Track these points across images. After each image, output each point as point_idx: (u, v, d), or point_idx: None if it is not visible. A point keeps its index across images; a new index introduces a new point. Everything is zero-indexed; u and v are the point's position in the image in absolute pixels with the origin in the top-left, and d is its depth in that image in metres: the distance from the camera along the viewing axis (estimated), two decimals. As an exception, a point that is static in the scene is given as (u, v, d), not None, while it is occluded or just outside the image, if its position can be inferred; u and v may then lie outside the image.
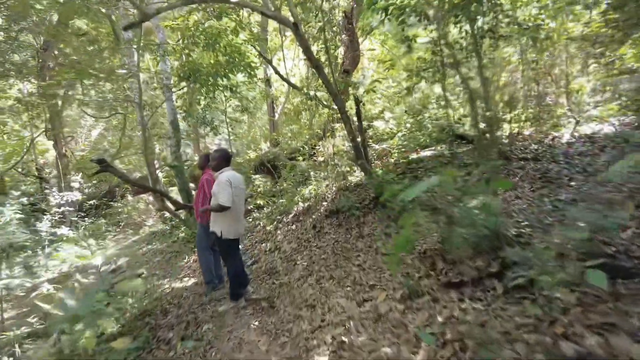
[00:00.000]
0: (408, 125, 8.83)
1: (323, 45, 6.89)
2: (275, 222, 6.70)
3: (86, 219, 12.53)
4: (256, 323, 3.55)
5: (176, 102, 8.46)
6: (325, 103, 7.20)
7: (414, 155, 7.18)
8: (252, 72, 7.92)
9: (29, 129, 12.64)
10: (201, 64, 7.60)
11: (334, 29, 8.03)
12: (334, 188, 6.90)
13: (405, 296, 3.07)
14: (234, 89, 8.19)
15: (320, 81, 7.73)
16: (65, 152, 13.12)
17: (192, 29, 7.26)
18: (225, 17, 7.41)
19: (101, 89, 10.47)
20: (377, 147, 8.57)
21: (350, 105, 7.09)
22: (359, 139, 6.22)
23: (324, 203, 6.39)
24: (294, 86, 7.70)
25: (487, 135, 5.57)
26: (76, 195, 11.34)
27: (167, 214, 10.33)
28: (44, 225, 9.85)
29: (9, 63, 10.39)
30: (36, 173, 13.75)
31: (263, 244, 6.09)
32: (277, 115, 12.31)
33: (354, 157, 6.65)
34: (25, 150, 12.83)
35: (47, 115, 12.70)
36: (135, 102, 8.48)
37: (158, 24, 8.38)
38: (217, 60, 7.59)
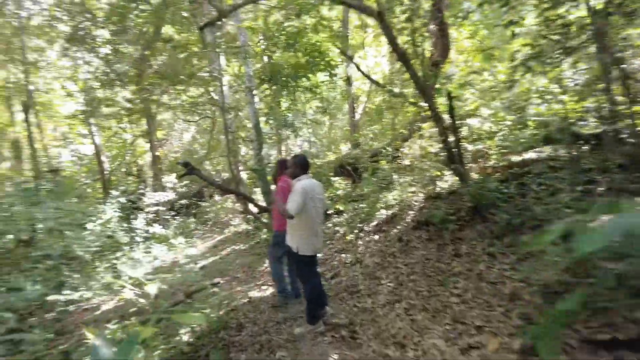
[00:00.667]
0: (508, 123, 7.72)
1: (410, 37, 6.22)
2: (355, 231, 6.20)
3: (177, 217, 13.26)
4: (335, 356, 3.08)
5: (259, 104, 8.40)
6: (411, 100, 6.52)
7: (516, 158, 6.16)
8: (333, 71, 7.52)
9: (130, 133, 13.79)
10: (281, 66, 7.41)
11: (422, 18, 7.29)
12: (421, 195, 6.19)
13: (525, 349, 2.35)
14: (314, 89, 7.87)
15: (405, 77, 7.05)
16: (160, 154, 14.09)
17: (272, 28, 7.09)
18: (305, 15, 7.11)
19: (190, 94, 10.96)
20: (471, 148, 7.61)
21: (441, 101, 6.32)
22: (451, 140, 5.46)
23: (411, 212, 5.73)
24: (377, 83, 7.14)
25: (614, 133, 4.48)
26: (168, 195, 12.03)
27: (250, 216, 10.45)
28: (139, 223, 10.55)
29: (114, 73, 11.36)
30: (136, 173, 14.98)
31: (343, 255, 5.62)
32: (357, 116, 11.80)
33: (445, 161, 5.88)
34: (127, 152, 14.04)
35: (144, 119, 13.76)
36: (220, 106, 8.61)
37: (240, 27, 8.39)
38: (297, 61, 7.34)
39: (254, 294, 5.35)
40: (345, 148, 11.83)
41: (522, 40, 5.87)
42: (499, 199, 4.73)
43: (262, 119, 8.46)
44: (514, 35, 5.01)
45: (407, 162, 7.90)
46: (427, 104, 5.41)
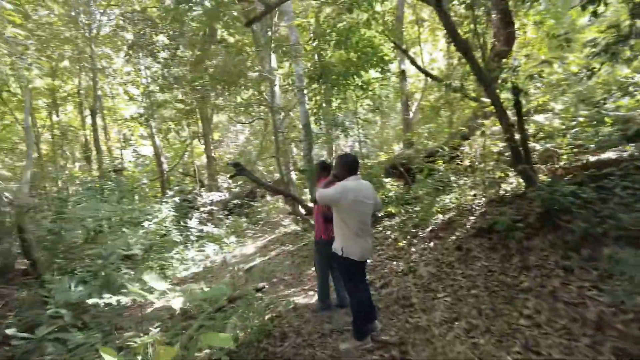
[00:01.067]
0: (581, 118, 6.88)
1: (470, 27, 5.72)
2: (408, 237, 5.81)
3: (230, 217, 13.53)
4: (384, 380, 2.77)
5: (309, 104, 8.26)
6: (472, 95, 5.99)
7: (592, 158, 5.43)
8: (385, 67, 7.16)
9: (186, 135, 14.31)
10: (332, 64, 7.18)
11: (483, 7, 6.70)
12: (483, 199, 5.65)
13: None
14: (365, 87, 7.56)
15: (465, 70, 6.53)
16: (215, 155, 14.49)
17: (324, 25, 6.88)
18: (357, 10, 6.83)
19: (242, 96, 11.10)
20: (538, 147, 6.88)
21: (505, 95, 5.73)
22: (517, 138, 4.91)
23: (471, 217, 5.23)
24: (434, 77, 6.67)
25: None
26: (221, 195, 12.29)
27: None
28: (193, 223, 10.85)
29: (171, 77, 11.81)
30: (192, 174, 15.53)
31: (394, 263, 5.26)
32: (411, 114, 11.29)
33: (510, 161, 5.32)
34: (184, 153, 14.60)
35: (200, 122, 14.23)
36: (270, 106, 8.59)
37: (291, 25, 8.28)
38: (348, 58, 7.07)
39: (300, 299, 5.15)
40: (397, 148, 11.37)
41: (597, 27, 5.16)
42: (574, 205, 4.13)
43: (312, 118, 8.29)
44: (595, 14, 4.34)
45: (466, 162, 7.33)
46: (489, 99, 4.90)
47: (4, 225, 8.64)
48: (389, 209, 7.43)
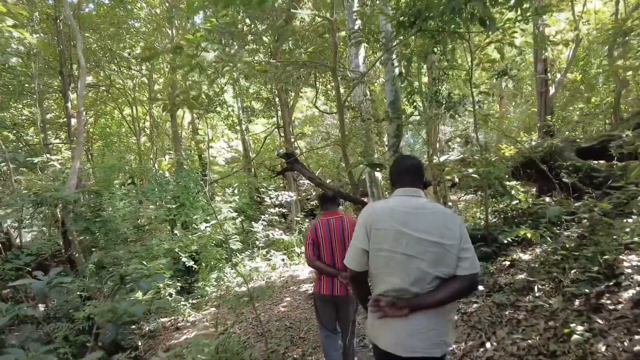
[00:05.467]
0: None
1: None
2: (577, 302, 2.98)
3: (308, 221, 11.61)
4: None
5: (396, 66, 5.71)
6: None
7: None
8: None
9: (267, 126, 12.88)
10: None
11: None
12: None
13: None
14: (491, 36, 4.74)
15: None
16: (296, 147, 12.75)
17: None
18: None
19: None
20: None
21: None
22: None
23: None
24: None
25: None
26: (291, 195, 10.37)
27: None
28: (258, 226, 9.12)
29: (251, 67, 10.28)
30: (272, 168, 14.09)
31: None
32: (552, 89, 7.92)
33: None
34: (263, 144, 13.13)
35: (280, 112, 12.63)
36: (330, 67, 6.19)
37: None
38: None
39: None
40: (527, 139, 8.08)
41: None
42: None
43: (402, 89, 5.77)
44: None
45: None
46: None
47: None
48: (523, 232, 4.52)
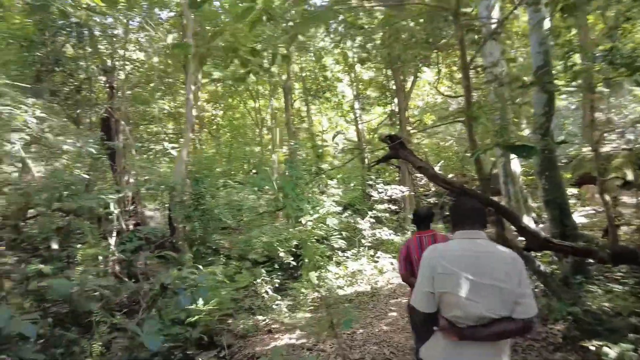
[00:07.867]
0: None
1: None
2: None
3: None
4: None
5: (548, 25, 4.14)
6: None
7: None
8: None
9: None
10: None
11: None
12: None
13: None
14: None
15: None
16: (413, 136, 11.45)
17: None
18: None
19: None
20: None
21: None
22: None
23: None
24: None
25: None
26: (403, 190, 9.11)
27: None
28: (365, 224, 8.19)
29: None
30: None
31: None
32: None
33: None
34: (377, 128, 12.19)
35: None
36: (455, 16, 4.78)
37: None
38: None
39: None
40: None
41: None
42: None
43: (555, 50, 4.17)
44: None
45: None
46: None
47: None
48: None
